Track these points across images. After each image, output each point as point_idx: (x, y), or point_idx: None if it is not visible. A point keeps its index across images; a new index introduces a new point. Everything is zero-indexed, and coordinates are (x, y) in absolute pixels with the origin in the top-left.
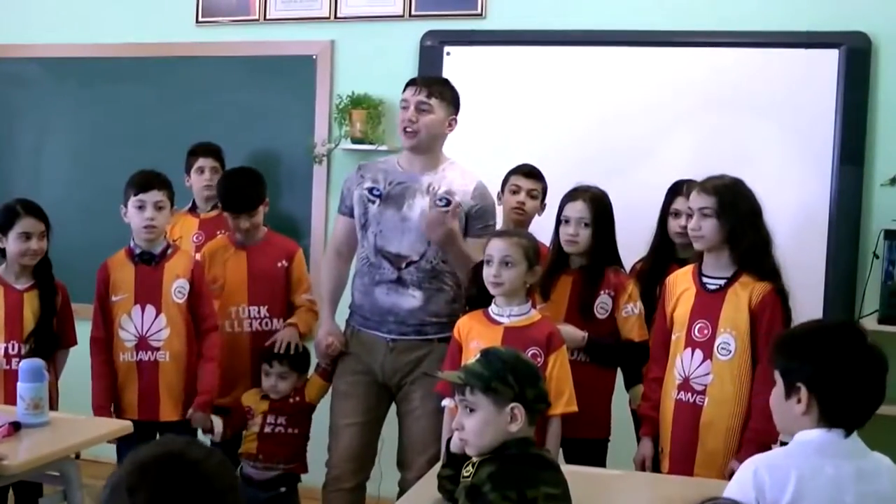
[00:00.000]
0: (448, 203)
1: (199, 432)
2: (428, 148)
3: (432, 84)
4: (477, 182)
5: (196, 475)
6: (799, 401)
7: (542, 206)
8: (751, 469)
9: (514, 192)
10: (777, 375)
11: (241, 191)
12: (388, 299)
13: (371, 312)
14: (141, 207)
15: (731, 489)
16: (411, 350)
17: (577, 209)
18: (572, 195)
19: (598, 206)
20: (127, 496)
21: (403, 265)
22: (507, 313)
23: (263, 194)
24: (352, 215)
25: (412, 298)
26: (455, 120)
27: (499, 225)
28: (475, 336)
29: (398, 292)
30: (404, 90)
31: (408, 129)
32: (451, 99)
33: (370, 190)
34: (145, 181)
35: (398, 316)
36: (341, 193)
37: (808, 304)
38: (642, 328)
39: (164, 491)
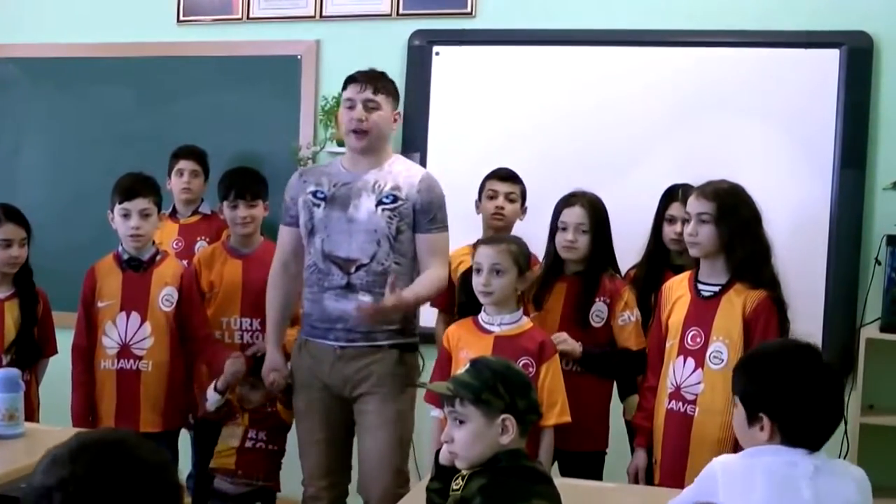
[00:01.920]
0: (395, 199)
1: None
2: (377, 146)
3: (376, 79)
4: (423, 174)
5: (138, 466)
6: (762, 428)
7: (523, 211)
8: (709, 467)
9: (492, 198)
10: (737, 400)
11: (245, 177)
12: (338, 306)
13: (320, 320)
14: (126, 216)
15: (692, 485)
16: (360, 357)
17: (576, 215)
18: (569, 201)
19: (596, 211)
20: (68, 461)
21: (353, 269)
22: (497, 322)
23: (266, 191)
24: (297, 225)
25: (362, 304)
26: (399, 114)
27: (479, 234)
28: (465, 345)
29: (347, 298)
30: (345, 88)
31: (357, 130)
32: (394, 93)
33: (314, 193)
34: (130, 188)
35: (347, 323)
36: (284, 204)
37: (808, 312)
38: (639, 336)
39: (104, 468)
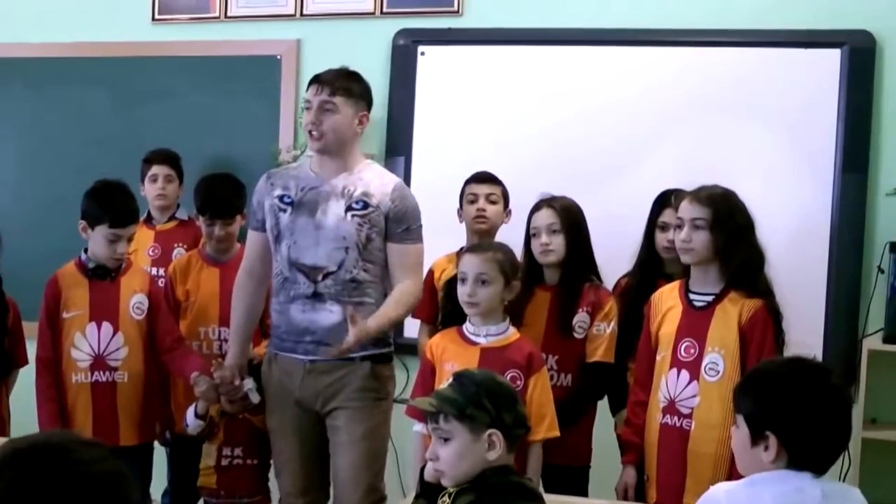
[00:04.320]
0: (365, 205)
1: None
2: (339, 150)
3: (336, 81)
4: (396, 182)
5: (78, 475)
6: (766, 448)
7: (507, 213)
8: (711, 493)
9: (472, 201)
10: (741, 420)
11: (222, 194)
12: (305, 317)
13: (287, 333)
14: (115, 241)
15: None
16: (330, 371)
17: (544, 217)
18: (537, 206)
19: (567, 213)
20: None
21: (320, 277)
22: (483, 333)
23: (243, 203)
24: (263, 229)
25: (330, 314)
26: (367, 116)
27: (464, 242)
28: (450, 357)
29: (315, 308)
30: (307, 89)
31: (312, 133)
32: (359, 93)
33: (281, 198)
34: (127, 215)
35: (315, 335)
36: (251, 207)
37: (808, 322)
38: (609, 350)
39: (30, 482)
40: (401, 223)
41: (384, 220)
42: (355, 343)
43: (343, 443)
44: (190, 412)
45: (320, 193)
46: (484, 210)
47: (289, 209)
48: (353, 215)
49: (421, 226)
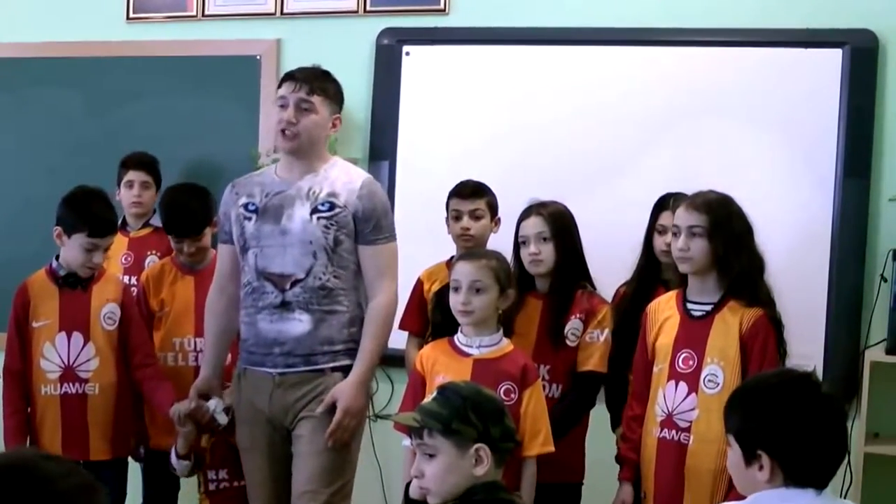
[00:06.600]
0: (332, 206)
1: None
2: (309, 151)
3: (314, 79)
4: (364, 179)
5: (45, 493)
6: (761, 468)
7: (496, 223)
8: None
9: (457, 218)
10: (731, 440)
11: (186, 211)
12: (273, 327)
13: (256, 345)
14: (92, 250)
15: None
16: (300, 384)
17: (533, 224)
18: (525, 213)
19: (556, 219)
20: None
21: (288, 286)
22: (476, 344)
23: (210, 215)
24: (232, 241)
25: (299, 323)
26: (339, 118)
27: (452, 248)
28: (441, 369)
29: (283, 318)
30: (280, 85)
31: (286, 132)
32: (334, 95)
33: (245, 206)
34: (105, 225)
35: (284, 346)
36: (219, 219)
37: (808, 332)
38: (602, 359)
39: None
40: (369, 222)
41: (352, 220)
42: (344, 417)
43: (303, 453)
44: (172, 455)
45: (286, 198)
46: (468, 228)
47: (253, 217)
48: (318, 217)
49: (392, 223)
